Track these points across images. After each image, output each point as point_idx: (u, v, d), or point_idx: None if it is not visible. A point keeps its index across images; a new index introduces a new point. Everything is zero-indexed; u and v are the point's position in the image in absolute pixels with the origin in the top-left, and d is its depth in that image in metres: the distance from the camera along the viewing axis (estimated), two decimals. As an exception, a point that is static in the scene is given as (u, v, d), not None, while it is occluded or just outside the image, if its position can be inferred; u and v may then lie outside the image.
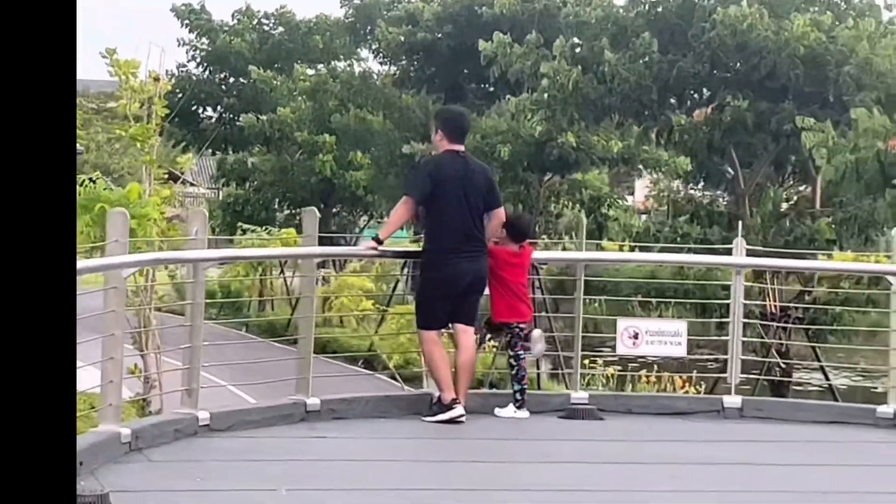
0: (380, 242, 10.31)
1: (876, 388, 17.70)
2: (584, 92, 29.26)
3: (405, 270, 20.16)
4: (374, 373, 16.86)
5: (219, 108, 51.99)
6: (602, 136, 36.23)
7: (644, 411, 10.97)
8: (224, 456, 8.66)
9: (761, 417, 10.86)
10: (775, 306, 19.52)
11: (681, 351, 11.11)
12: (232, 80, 51.39)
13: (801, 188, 29.66)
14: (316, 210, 10.32)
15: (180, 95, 43.36)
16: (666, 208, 58.47)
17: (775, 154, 28.95)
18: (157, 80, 19.58)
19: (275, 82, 48.14)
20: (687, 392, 19.11)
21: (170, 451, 8.69)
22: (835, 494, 8.25)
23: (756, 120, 27.23)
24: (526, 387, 10.63)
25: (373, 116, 43.09)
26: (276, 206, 48.22)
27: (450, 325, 10.41)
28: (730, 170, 29.61)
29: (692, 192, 33.10)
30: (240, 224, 29.50)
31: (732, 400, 10.92)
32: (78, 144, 41.12)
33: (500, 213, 10.50)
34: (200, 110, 51.83)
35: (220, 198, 52.56)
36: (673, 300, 24.33)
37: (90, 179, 15.70)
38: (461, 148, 10.41)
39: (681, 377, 19.67)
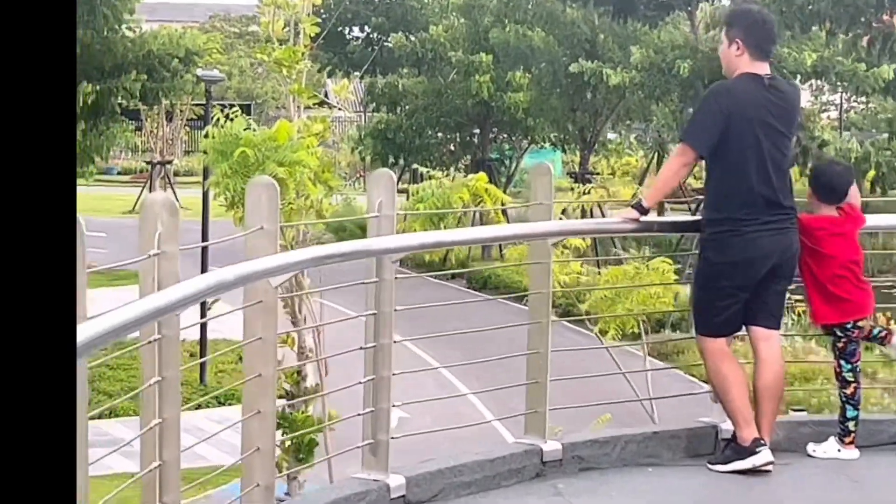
0: (643, 211, 7.09)
1: None
2: (788, -4, 25.54)
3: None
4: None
5: (366, 28, 48.92)
6: (794, 47, 32.48)
7: None
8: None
9: None
10: None
11: None
12: (379, -3, 48.25)
13: None
14: (550, 165, 7.07)
15: (325, 15, 40.41)
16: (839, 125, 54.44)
17: None
18: (304, -7, 16.51)
19: (425, -1, 45.04)
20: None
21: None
22: None
23: None
24: (859, 414, 7.32)
25: (533, 32, 39.75)
26: (430, 132, 45.14)
27: (744, 327, 7.16)
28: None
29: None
30: (416, 166, 26.14)
31: None
32: (219, 71, 38.50)
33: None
34: (346, 31, 48.80)
35: (370, 123, 49.63)
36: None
37: (226, 116, 12.58)
38: (766, 69, 7.08)
39: None
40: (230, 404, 22.57)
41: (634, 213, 7.08)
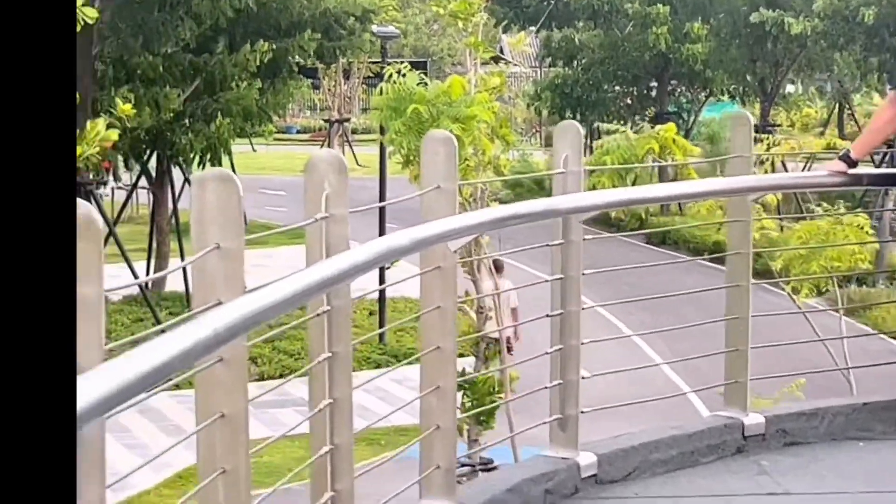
0: (852, 164, 6.52)
1: None
2: None
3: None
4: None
5: (541, -19, 48.25)
6: None
7: None
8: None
9: None
10: None
11: None
12: (552, -51, 47.51)
13: None
14: (749, 115, 6.52)
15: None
16: None
17: None
18: (479, -58, 16.10)
19: (600, -50, 44.20)
20: None
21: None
22: None
23: None
24: None
25: (712, -18, 38.85)
26: (607, 86, 44.39)
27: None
28: None
29: None
30: (597, 124, 25.62)
31: None
32: (394, 27, 38.28)
33: None
34: (521, -15, 48.21)
35: (546, 77, 49.00)
36: None
37: (398, 72, 12.21)
38: None
39: None
40: (410, 363, 22.20)
41: (842, 166, 6.51)
